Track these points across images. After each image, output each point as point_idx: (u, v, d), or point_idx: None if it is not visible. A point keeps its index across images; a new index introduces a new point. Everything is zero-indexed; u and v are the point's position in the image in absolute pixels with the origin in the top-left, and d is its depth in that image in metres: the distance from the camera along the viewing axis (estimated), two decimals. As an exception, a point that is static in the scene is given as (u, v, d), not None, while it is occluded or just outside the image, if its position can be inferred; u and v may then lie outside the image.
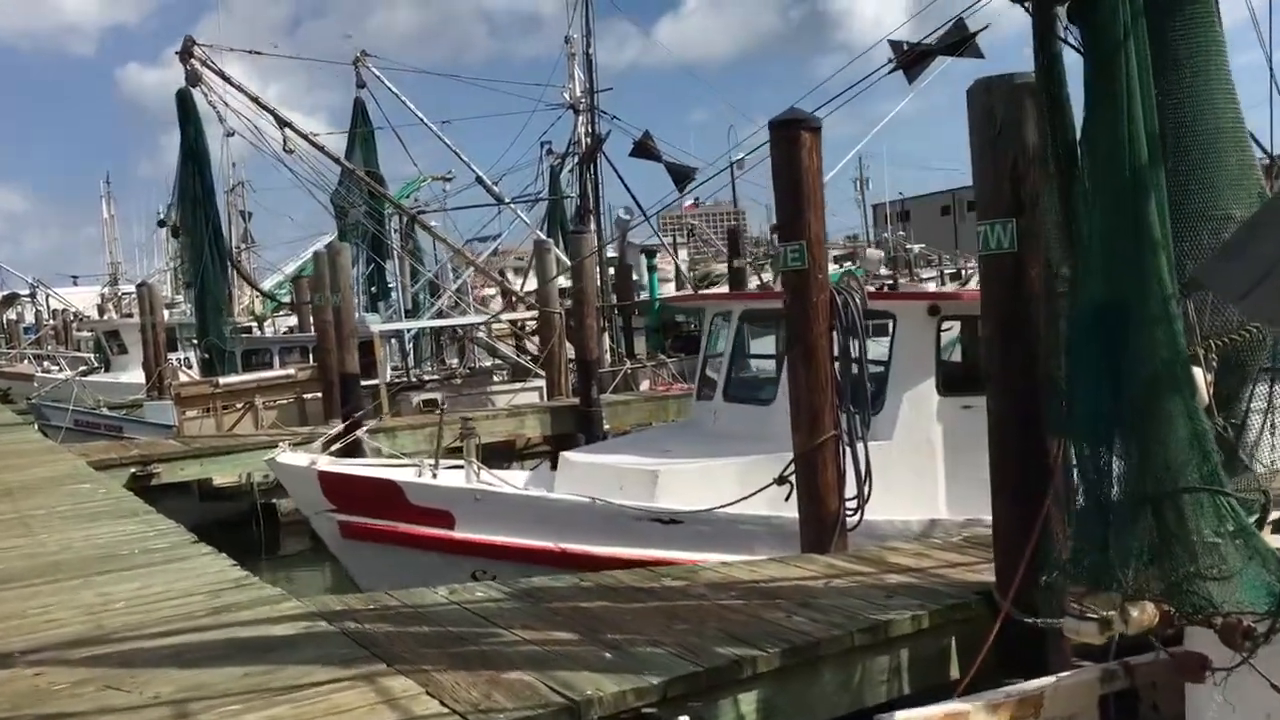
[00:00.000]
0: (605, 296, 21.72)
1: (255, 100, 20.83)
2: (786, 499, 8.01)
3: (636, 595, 6.65)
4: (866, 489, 7.74)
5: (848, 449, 7.69)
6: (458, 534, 8.92)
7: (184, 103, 21.10)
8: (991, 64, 11.99)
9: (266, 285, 42.09)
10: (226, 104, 20.81)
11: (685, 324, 24.17)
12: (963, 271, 36.34)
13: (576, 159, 23.94)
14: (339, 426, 18.40)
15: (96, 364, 38.68)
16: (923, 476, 9.33)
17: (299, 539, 19.31)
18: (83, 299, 62.46)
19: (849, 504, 7.67)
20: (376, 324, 26.57)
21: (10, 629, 6.55)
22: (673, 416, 19.81)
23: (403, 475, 9.46)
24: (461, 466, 10.01)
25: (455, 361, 31.77)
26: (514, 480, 10.56)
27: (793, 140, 7.36)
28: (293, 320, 40.06)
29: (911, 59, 11.36)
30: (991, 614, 6.15)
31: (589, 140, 21.82)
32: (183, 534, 9.21)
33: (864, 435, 7.79)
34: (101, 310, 44.51)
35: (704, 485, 9.29)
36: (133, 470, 15.49)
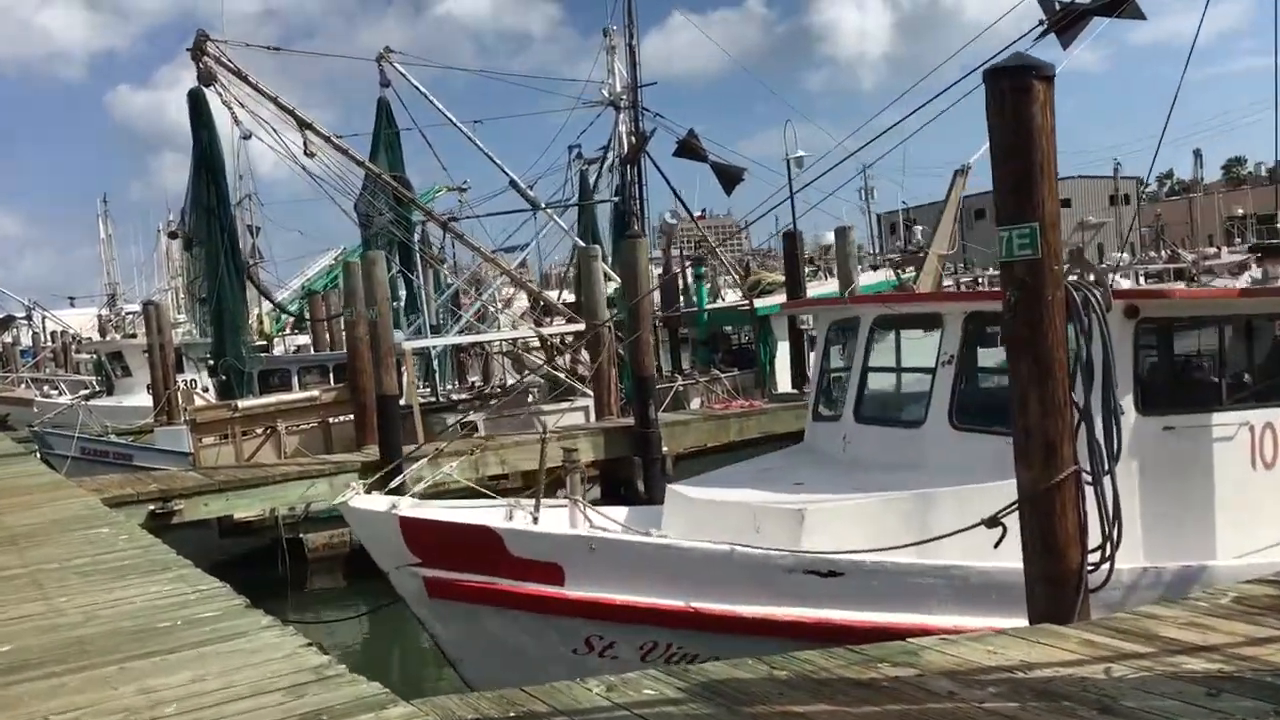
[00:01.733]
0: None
1: (275, 100, 19.26)
2: (997, 545, 6.39)
3: (858, 692, 5.02)
4: (1116, 537, 6.12)
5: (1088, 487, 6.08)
6: (569, 592, 7.28)
7: (196, 104, 19.53)
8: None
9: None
10: (242, 104, 19.22)
11: (736, 336, 22.58)
12: (980, 279, 34.84)
13: (617, 159, 22.40)
14: (374, 453, 16.81)
15: (98, 387, 37.06)
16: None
17: (328, 576, 17.64)
18: (79, 321, 60.97)
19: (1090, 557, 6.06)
20: (403, 340, 25.00)
21: (29, 749, 4.92)
22: (733, 436, 18.27)
23: (500, 521, 7.82)
24: (561, 506, 8.39)
25: (478, 379, 30.22)
26: (616, 519, 8.92)
27: (1022, 92, 5.76)
28: (302, 339, 38.51)
29: (1066, 21, 9.83)
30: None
31: (632, 139, 20.25)
32: (231, 597, 7.57)
33: (1111, 469, 6.18)
34: (104, 331, 42.85)
35: (861, 527, 7.68)
36: (151, 508, 13.86)
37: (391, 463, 15.25)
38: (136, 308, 40.73)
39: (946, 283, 19.80)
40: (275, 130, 19.55)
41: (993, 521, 6.32)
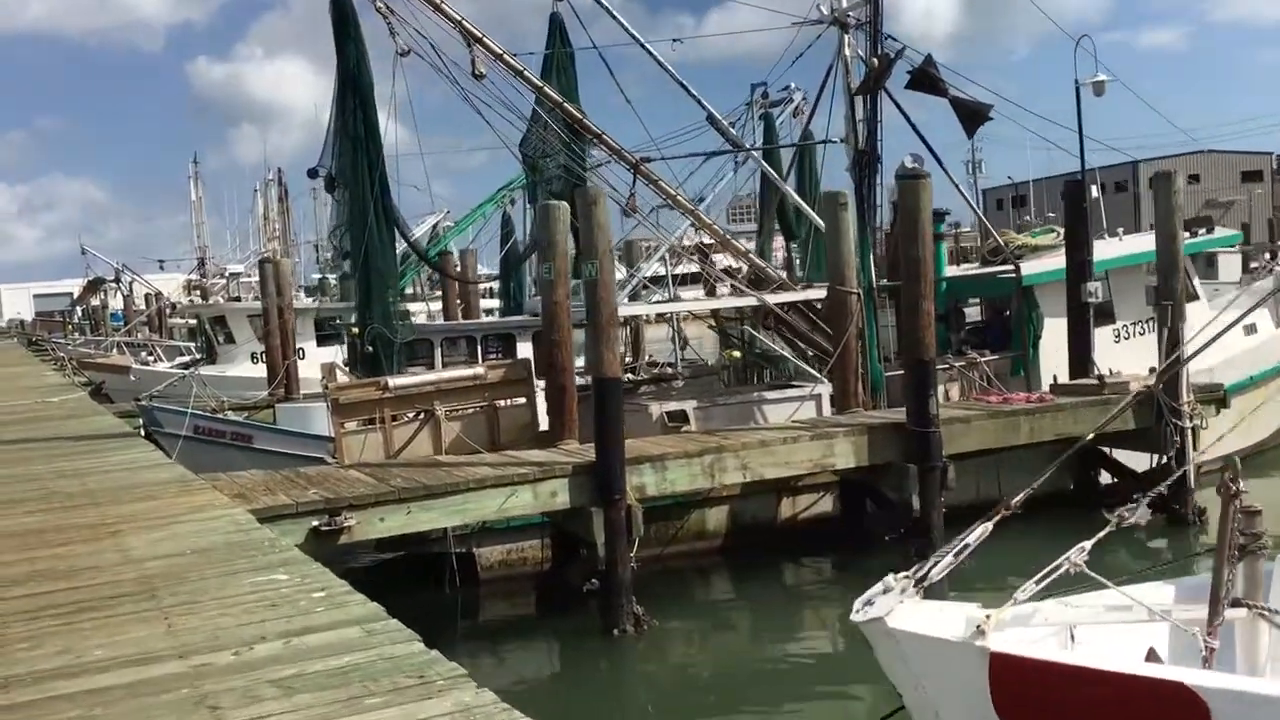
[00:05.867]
0: (868, 274, 16.08)
1: (437, 7, 15.58)
2: None
3: None
4: None
5: None
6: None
7: (342, 12, 15.87)
8: None
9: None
10: (392, 10, 15.55)
11: (980, 309, 18.59)
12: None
13: (812, 92, 18.38)
14: (578, 450, 13.15)
15: (197, 354, 34.14)
16: None
17: (505, 602, 14.01)
18: (167, 286, 58.82)
19: None
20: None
21: None
22: (1023, 438, 14.32)
23: (1201, 674, 4.00)
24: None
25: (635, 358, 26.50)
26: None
27: None
28: (412, 306, 35.19)
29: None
30: None
31: (873, 63, 16.28)
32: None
33: None
34: (205, 293, 39.92)
35: None
36: (314, 523, 10.33)
37: (609, 466, 11.60)
38: (240, 268, 37.81)
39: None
40: (434, 46, 15.90)
41: None
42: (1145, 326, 17.67)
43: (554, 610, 13.12)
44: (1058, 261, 16.84)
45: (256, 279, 40.86)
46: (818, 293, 15.60)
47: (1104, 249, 16.73)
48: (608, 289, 11.66)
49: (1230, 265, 37.30)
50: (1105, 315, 17.06)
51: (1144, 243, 18.59)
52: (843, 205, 14.47)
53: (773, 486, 14.54)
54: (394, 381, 15.45)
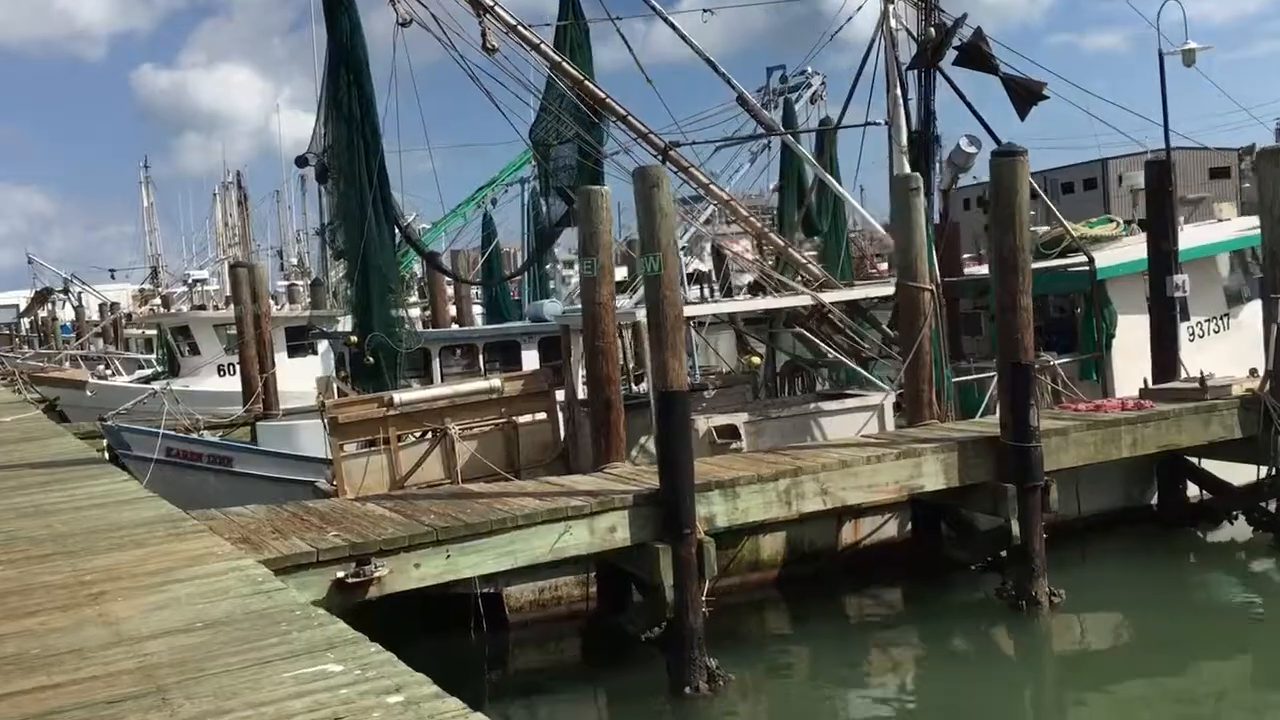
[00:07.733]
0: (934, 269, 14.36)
1: (445, -28, 13.73)
2: None
3: None
4: None
5: None
6: None
7: (334, -22, 14.04)
8: None
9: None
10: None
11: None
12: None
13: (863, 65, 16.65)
14: (629, 475, 11.35)
15: (158, 367, 31.89)
16: None
17: (538, 650, 12.17)
18: (119, 295, 56.32)
19: None
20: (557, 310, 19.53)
21: None
22: (1124, 451, 12.72)
23: None
24: None
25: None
26: None
27: None
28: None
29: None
30: None
31: (929, 33, 14.64)
32: None
33: None
34: (167, 302, 37.51)
35: None
36: (339, 573, 8.44)
37: (678, 495, 9.82)
38: (204, 274, 35.50)
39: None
40: (437, 19, 14.06)
41: None
42: (1220, 324, 16.19)
43: (602, 661, 11.31)
44: (1128, 253, 15.33)
45: (216, 287, 38.74)
46: (883, 289, 13.92)
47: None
48: (672, 286, 9.88)
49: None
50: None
51: (1213, 233, 17.16)
52: (914, 190, 12.80)
53: (833, 510, 12.84)
54: (399, 397, 13.59)
